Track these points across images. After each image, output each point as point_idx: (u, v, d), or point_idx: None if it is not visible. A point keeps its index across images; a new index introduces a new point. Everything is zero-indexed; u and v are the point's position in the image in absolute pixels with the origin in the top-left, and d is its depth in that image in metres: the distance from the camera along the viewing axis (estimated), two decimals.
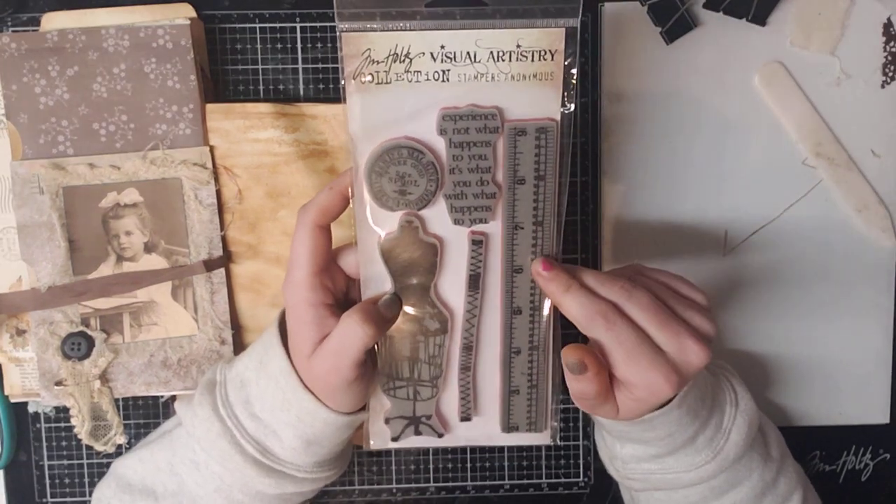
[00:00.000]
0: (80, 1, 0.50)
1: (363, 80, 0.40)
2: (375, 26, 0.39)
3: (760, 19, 0.52)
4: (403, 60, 0.39)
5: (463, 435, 0.46)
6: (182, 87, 0.50)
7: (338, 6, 0.39)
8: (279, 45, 0.52)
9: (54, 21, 0.50)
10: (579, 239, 0.54)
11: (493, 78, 0.39)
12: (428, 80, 0.40)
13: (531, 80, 0.39)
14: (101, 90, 0.49)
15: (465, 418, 0.46)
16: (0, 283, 0.52)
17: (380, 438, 0.46)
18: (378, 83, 0.40)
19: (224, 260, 0.51)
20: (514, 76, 0.39)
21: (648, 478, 0.46)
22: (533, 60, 0.39)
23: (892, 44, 0.53)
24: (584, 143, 0.53)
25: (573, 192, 0.54)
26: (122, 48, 0.49)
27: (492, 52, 0.39)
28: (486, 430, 0.46)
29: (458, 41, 0.39)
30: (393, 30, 0.39)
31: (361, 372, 0.41)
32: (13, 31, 0.51)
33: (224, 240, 0.51)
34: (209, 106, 0.50)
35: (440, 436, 0.46)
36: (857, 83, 0.53)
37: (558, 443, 0.46)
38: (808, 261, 0.54)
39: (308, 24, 0.52)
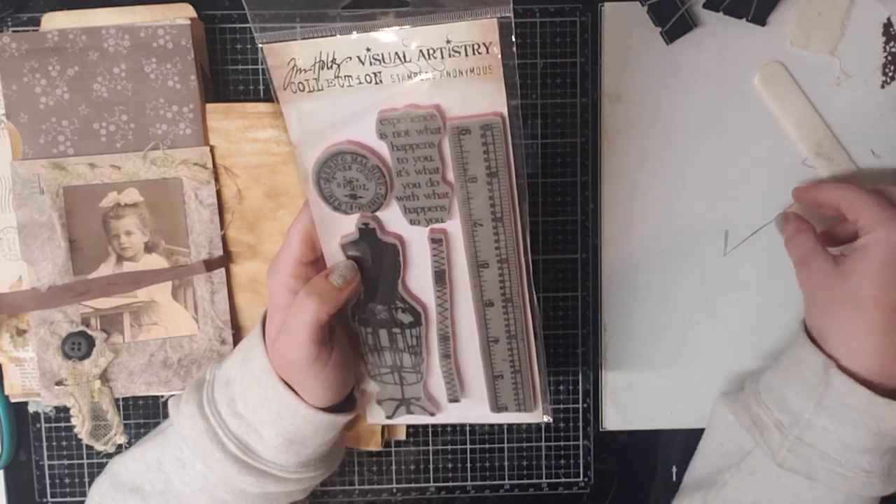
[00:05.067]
0: (81, 1, 0.50)
1: (294, 89, 0.39)
2: (295, 36, 0.38)
3: (760, 19, 0.52)
4: (331, 66, 0.38)
5: (455, 413, 0.47)
6: (182, 87, 0.50)
7: (252, 20, 0.38)
8: None
9: (54, 21, 0.50)
10: (579, 239, 0.54)
11: (427, 76, 0.38)
12: (361, 83, 0.38)
13: (468, 75, 0.38)
14: (101, 90, 0.49)
15: (454, 400, 0.46)
16: (0, 283, 0.52)
17: (376, 416, 0.47)
18: (310, 91, 0.39)
19: (224, 260, 0.51)
20: (450, 72, 0.38)
21: (832, 468, 0.44)
22: (466, 55, 0.37)
23: (892, 44, 0.53)
24: (584, 143, 0.53)
25: (573, 192, 0.54)
26: (122, 48, 0.49)
27: (421, 50, 0.37)
28: (476, 409, 0.47)
29: (383, 42, 0.37)
30: (313, 37, 0.38)
31: (320, 351, 0.41)
32: (13, 31, 0.51)
33: (224, 239, 0.51)
34: (209, 106, 0.50)
35: (432, 414, 0.47)
36: (857, 83, 0.53)
37: (551, 420, 0.46)
38: None
39: None
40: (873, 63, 0.53)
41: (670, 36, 0.52)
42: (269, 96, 0.52)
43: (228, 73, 0.52)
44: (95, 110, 0.50)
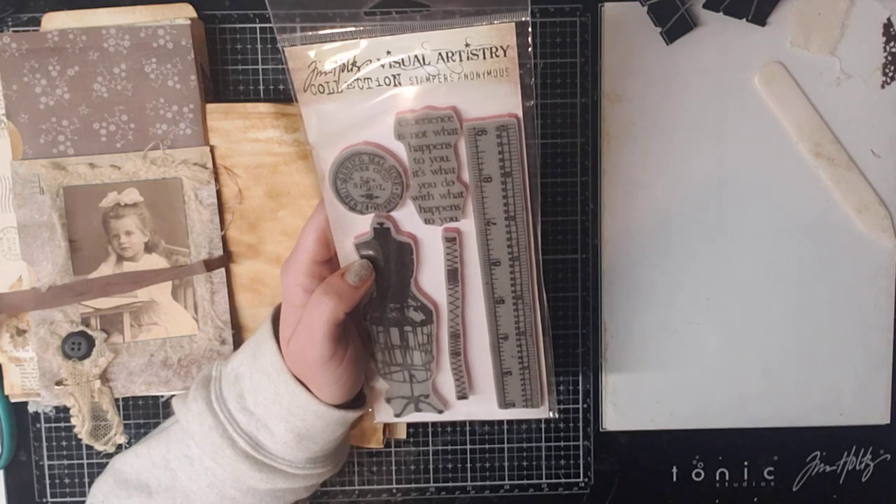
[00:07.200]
0: (81, 1, 0.50)
1: (314, 91, 0.39)
2: (317, 39, 0.38)
3: (760, 19, 0.52)
4: (352, 69, 0.39)
5: (462, 410, 0.47)
6: (182, 87, 0.50)
7: (276, 21, 0.38)
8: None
9: (55, 21, 0.50)
10: (579, 239, 0.54)
11: (445, 78, 0.39)
12: (380, 85, 0.39)
13: (486, 77, 0.38)
14: (101, 90, 0.50)
15: (462, 397, 0.47)
16: (0, 282, 0.52)
17: (384, 414, 0.48)
18: (330, 93, 0.39)
19: (224, 260, 0.51)
20: (468, 75, 0.38)
21: None
22: (485, 58, 0.38)
23: (892, 44, 0.53)
24: (584, 143, 0.53)
25: (573, 192, 0.54)
26: (122, 48, 0.49)
27: (440, 53, 0.38)
28: (484, 406, 0.47)
29: (403, 45, 0.38)
30: (335, 40, 0.38)
31: (336, 349, 0.41)
32: (13, 31, 0.51)
33: (224, 239, 0.51)
34: (209, 106, 0.50)
35: (440, 412, 0.47)
36: (857, 83, 0.53)
37: (558, 415, 0.46)
38: (808, 261, 0.54)
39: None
40: (873, 63, 0.53)
41: (670, 36, 0.52)
42: (269, 96, 0.52)
43: (228, 73, 0.52)
44: (95, 110, 0.50)
